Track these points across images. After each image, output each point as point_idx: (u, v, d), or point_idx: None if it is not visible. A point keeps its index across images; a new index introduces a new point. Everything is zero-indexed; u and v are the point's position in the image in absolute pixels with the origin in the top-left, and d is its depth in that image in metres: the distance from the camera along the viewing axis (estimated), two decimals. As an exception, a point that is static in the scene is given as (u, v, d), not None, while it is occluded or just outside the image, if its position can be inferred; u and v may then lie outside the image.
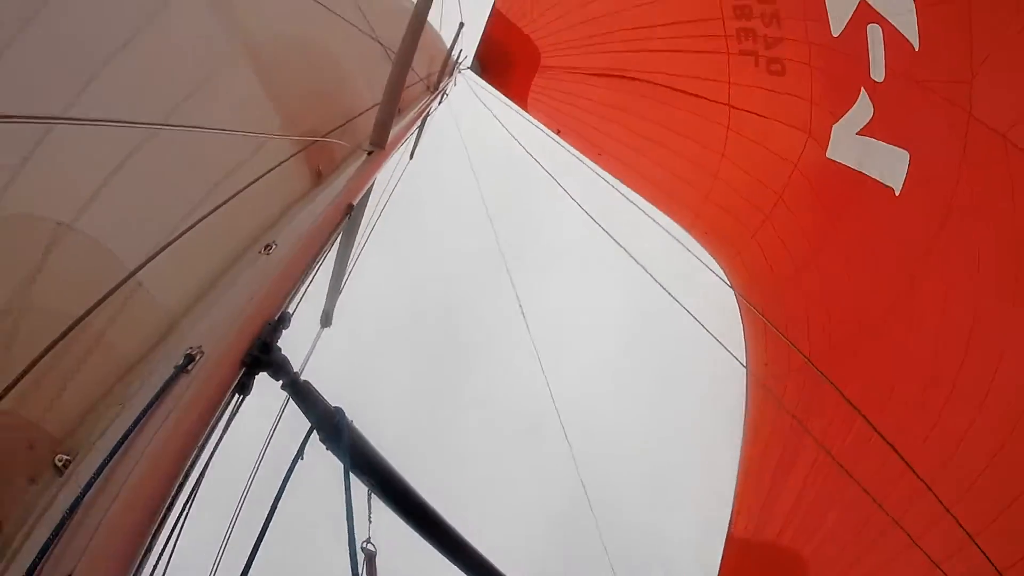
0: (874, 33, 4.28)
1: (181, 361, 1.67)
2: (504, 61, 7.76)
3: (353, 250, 4.06)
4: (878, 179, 4.47)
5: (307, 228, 2.58)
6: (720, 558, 5.89)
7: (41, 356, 1.58)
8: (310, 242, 2.50)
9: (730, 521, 5.87)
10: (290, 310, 2.16)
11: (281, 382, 1.89)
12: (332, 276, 4.20)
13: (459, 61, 7.89)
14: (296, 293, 2.27)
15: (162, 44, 2.64)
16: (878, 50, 4.28)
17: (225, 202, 2.31)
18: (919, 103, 3.99)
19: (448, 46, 7.31)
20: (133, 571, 1.23)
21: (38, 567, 1.14)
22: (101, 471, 1.34)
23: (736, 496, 5.99)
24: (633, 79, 6.82)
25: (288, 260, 2.29)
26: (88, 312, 1.73)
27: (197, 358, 1.70)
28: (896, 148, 4.34)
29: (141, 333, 1.88)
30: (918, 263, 4.10)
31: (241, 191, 2.39)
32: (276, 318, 2.01)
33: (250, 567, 1.46)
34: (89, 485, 1.32)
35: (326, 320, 4.53)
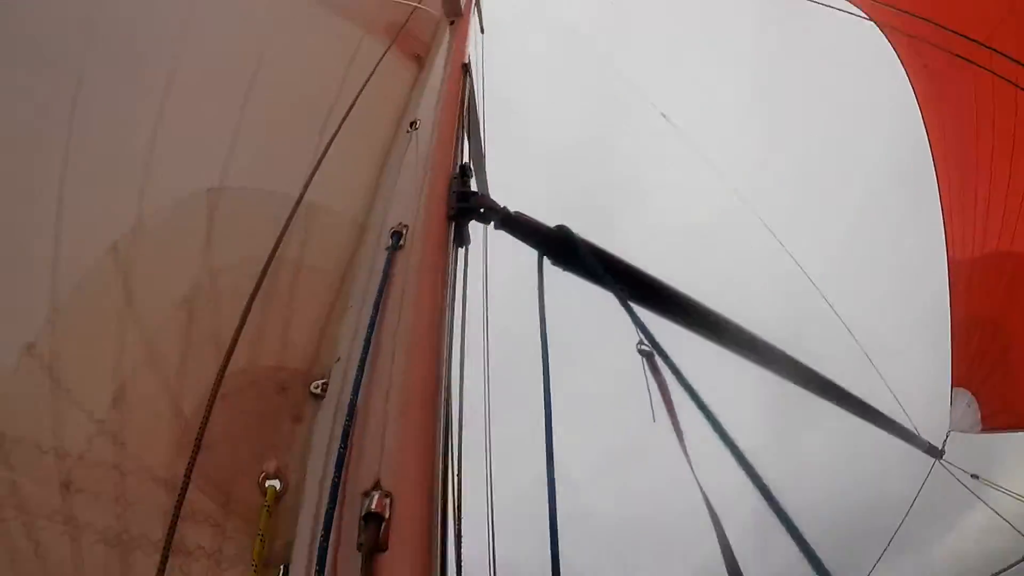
0: None
1: (390, 242, 1.35)
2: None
3: (480, 116, 3.68)
4: None
5: (440, 93, 2.19)
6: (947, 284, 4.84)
7: (249, 305, 1.34)
8: (448, 103, 2.11)
9: (946, 246, 4.87)
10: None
11: (493, 222, 1.61)
12: (471, 155, 3.88)
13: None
14: (460, 149, 1.90)
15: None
16: None
17: (355, 101, 1.99)
18: None
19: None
20: (439, 455, 0.91)
21: (340, 487, 0.84)
22: (362, 371, 1.02)
23: (944, 215, 4.88)
24: None
25: (440, 121, 1.92)
26: (275, 248, 1.47)
27: (404, 232, 1.37)
28: None
29: (336, 244, 1.63)
30: None
31: (365, 84, 2.06)
32: (458, 171, 1.66)
33: (550, 399, 1.10)
34: (356, 389, 1.00)
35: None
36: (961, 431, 4.61)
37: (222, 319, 1.39)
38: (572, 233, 1.58)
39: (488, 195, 4.13)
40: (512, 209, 1.61)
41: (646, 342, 1.57)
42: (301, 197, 1.68)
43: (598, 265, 1.50)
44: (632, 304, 1.58)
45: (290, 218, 1.59)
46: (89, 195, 1.69)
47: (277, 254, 1.48)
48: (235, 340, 1.30)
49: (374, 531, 0.82)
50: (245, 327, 1.32)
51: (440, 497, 0.93)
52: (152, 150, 1.84)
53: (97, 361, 1.38)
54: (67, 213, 1.61)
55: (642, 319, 1.55)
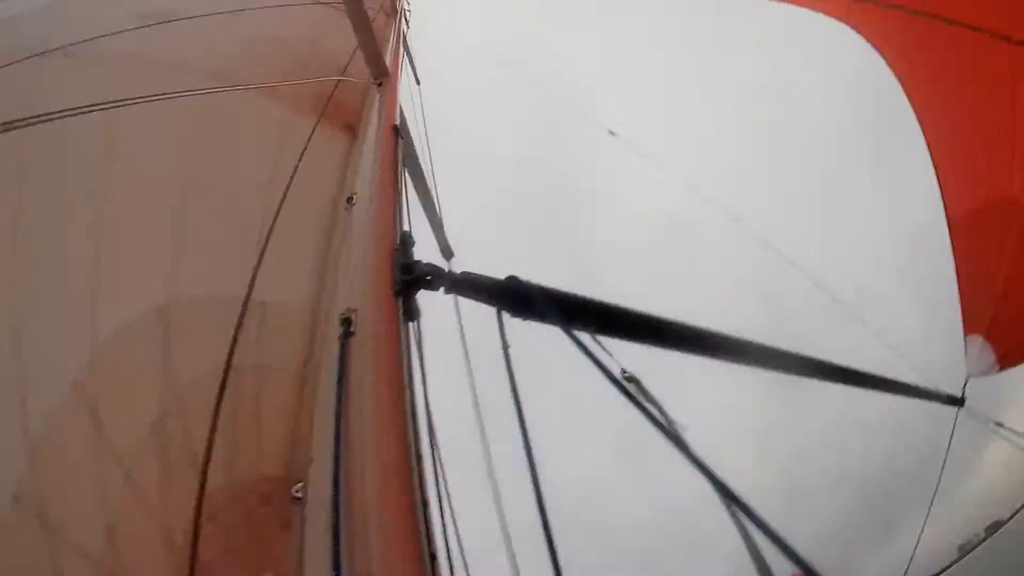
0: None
1: (341, 329, 1.38)
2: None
3: (429, 180, 3.73)
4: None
5: (373, 162, 2.24)
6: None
7: (215, 422, 1.37)
8: (383, 169, 2.15)
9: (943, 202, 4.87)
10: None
11: (442, 288, 1.61)
12: (426, 215, 3.89)
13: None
14: (400, 217, 1.95)
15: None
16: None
17: (288, 187, 2.04)
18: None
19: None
20: (424, 542, 0.94)
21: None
22: (338, 474, 1.05)
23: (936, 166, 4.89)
24: None
25: (376, 192, 1.96)
26: (230, 356, 1.50)
27: (354, 318, 1.40)
28: None
29: (292, 339, 1.65)
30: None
31: (295, 169, 2.12)
32: (399, 241, 1.71)
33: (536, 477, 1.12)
34: (337, 494, 1.03)
35: (448, 253, 4.25)
36: (979, 376, 4.60)
37: (194, 437, 1.41)
38: (523, 282, 1.58)
39: (448, 247, 4.20)
40: (461, 270, 1.64)
41: (627, 370, 1.59)
42: (247, 301, 1.72)
43: (554, 309, 1.51)
44: (603, 335, 1.60)
45: (239, 326, 1.63)
46: (43, 338, 1.70)
47: (237, 362, 1.51)
48: (207, 459, 1.32)
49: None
50: (218, 442, 1.34)
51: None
52: (97, 280, 1.86)
53: (82, 501, 1.39)
54: (26, 356, 1.62)
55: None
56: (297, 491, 1.20)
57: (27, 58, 2.80)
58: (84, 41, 3.17)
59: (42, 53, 2.92)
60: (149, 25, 3.64)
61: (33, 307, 1.70)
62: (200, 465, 1.31)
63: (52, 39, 3.16)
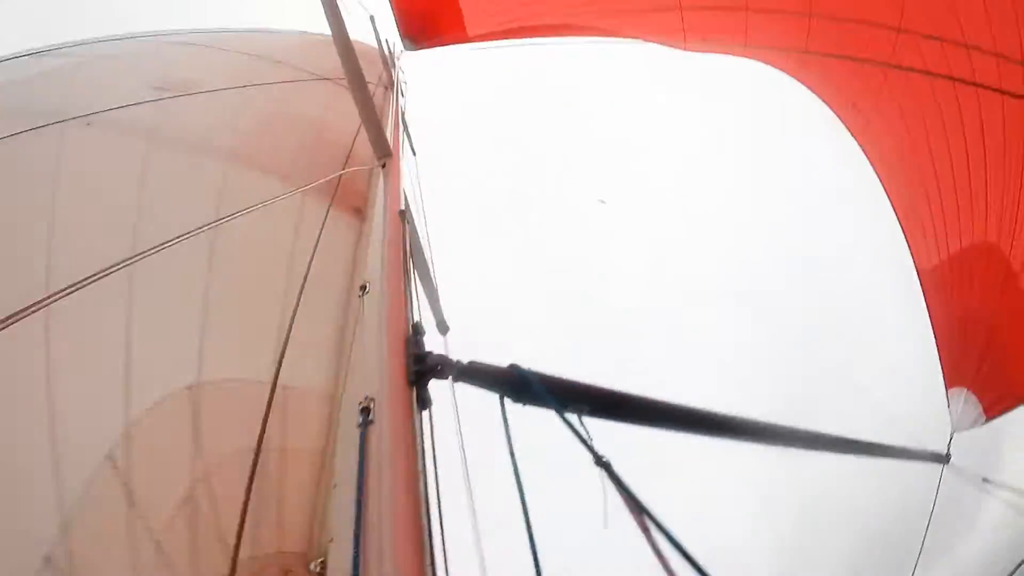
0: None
1: (360, 418, 1.56)
2: (427, 22, 7.18)
3: (428, 253, 3.98)
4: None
5: (382, 250, 2.46)
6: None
7: (245, 507, 1.53)
8: (393, 258, 2.38)
9: (912, 258, 5.05)
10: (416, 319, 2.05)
11: (450, 377, 1.76)
12: (423, 288, 4.14)
13: (392, 50, 7.48)
14: (412, 305, 2.16)
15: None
16: None
17: (306, 276, 2.24)
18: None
19: (375, 43, 6.99)
20: None
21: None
22: (357, 549, 1.22)
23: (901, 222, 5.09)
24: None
25: (388, 282, 2.17)
26: (259, 444, 1.68)
27: (372, 407, 1.59)
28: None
29: (314, 422, 1.82)
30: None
31: (312, 258, 2.31)
32: (411, 331, 1.91)
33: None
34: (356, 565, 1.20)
35: (443, 328, 4.48)
36: (965, 429, 4.70)
37: (221, 513, 1.57)
38: (522, 370, 1.74)
39: (445, 324, 4.41)
40: (467, 360, 1.80)
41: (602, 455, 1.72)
42: (274, 386, 1.90)
43: (547, 395, 1.65)
44: (597, 417, 1.75)
45: (267, 412, 1.81)
46: (77, 409, 1.85)
47: (263, 444, 1.69)
48: (240, 534, 1.48)
49: None
50: (247, 520, 1.51)
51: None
52: (129, 357, 2.03)
53: (113, 571, 1.52)
54: (59, 429, 1.77)
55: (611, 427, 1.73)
56: (315, 567, 1.36)
57: (50, 124, 3.02)
58: (106, 110, 3.39)
59: (64, 120, 3.14)
60: (167, 98, 3.93)
61: (69, 382, 1.86)
62: (226, 539, 1.47)
63: (72, 106, 3.40)
